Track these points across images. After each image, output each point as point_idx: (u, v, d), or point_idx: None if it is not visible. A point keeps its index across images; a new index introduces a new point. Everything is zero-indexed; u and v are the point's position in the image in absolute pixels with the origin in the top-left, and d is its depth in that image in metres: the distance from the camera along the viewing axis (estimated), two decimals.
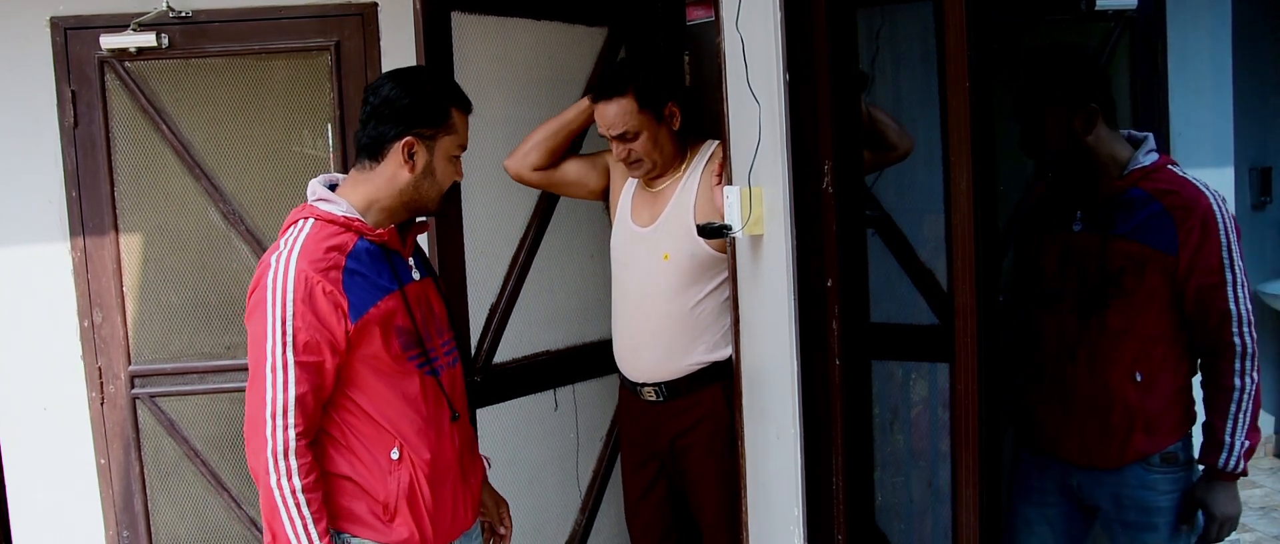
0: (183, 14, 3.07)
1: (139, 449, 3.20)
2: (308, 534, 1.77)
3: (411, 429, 1.91)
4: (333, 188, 1.95)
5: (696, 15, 3.07)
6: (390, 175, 1.91)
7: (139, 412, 3.19)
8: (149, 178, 3.14)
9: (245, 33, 3.10)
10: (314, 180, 1.95)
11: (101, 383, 3.17)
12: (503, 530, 2.24)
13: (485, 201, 2.68)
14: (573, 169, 2.70)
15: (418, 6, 2.46)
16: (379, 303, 1.86)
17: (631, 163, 2.53)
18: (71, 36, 3.07)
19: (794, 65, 2.02)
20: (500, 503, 2.26)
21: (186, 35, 3.08)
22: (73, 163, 3.09)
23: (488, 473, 2.24)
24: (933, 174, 2.40)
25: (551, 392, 2.89)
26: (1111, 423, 2.13)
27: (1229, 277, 2.04)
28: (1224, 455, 2.07)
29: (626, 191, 2.66)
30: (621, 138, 2.49)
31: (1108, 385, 2.12)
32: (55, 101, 3.08)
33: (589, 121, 2.63)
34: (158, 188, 3.15)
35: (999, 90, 2.64)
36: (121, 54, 3.06)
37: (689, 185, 2.54)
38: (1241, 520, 3.80)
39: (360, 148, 1.93)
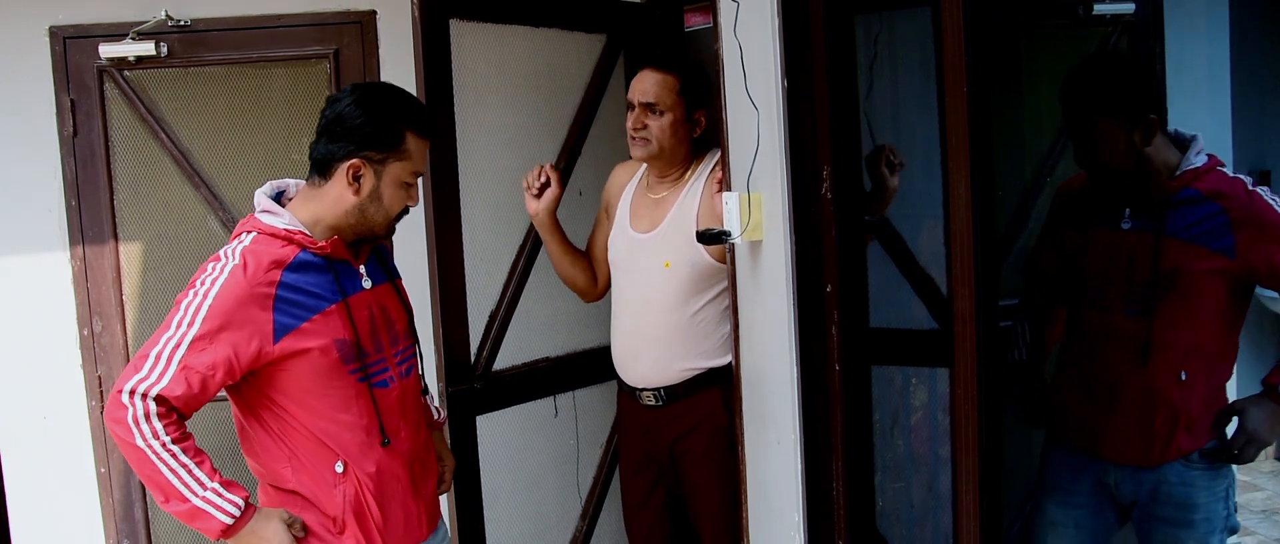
0: (181, 23, 3.07)
1: None
2: (194, 478, 1.73)
3: (353, 443, 1.87)
4: (280, 194, 1.92)
5: (694, 22, 3.07)
6: (336, 196, 1.86)
7: None
8: (148, 186, 3.14)
9: (244, 41, 3.10)
10: (259, 190, 1.91)
11: (101, 391, 3.17)
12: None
13: (485, 209, 2.69)
14: (599, 240, 2.72)
15: (416, 14, 2.47)
16: (314, 318, 1.82)
17: (638, 138, 2.50)
18: (70, 46, 3.07)
19: (792, 71, 2.03)
20: (443, 459, 2.20)
21: (185, 44, 3.09)
22: (72, 172, 3.09)
23: (443, 428, 2.22)
24: (931, 180, 2.41)
25: (551, 398, 2.89)
26: (1156, 422, 2.13)
27: None
28: None
29: (625, 197, 2.65)
30: (648, 108, 2.48)
31: (1153, 384, 2.12)
32: (54, 110, 3.08)
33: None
34: (157, 196, 3.15)
35: (1004, 93, 2.65)
36: (120, 63, 3.06)
37: (692, 193, 2.53)
38: (1243, 523, 3.81)
39: (312, 162, 1.88)
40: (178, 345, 1.73)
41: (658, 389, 2.55)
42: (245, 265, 1.78)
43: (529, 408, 2.83)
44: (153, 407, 1.72)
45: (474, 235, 2.65)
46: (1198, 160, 2.11)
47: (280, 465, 1.87)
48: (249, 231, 1.85)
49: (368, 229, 1.90)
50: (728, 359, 2.49)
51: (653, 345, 2.53)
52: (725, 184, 2.29)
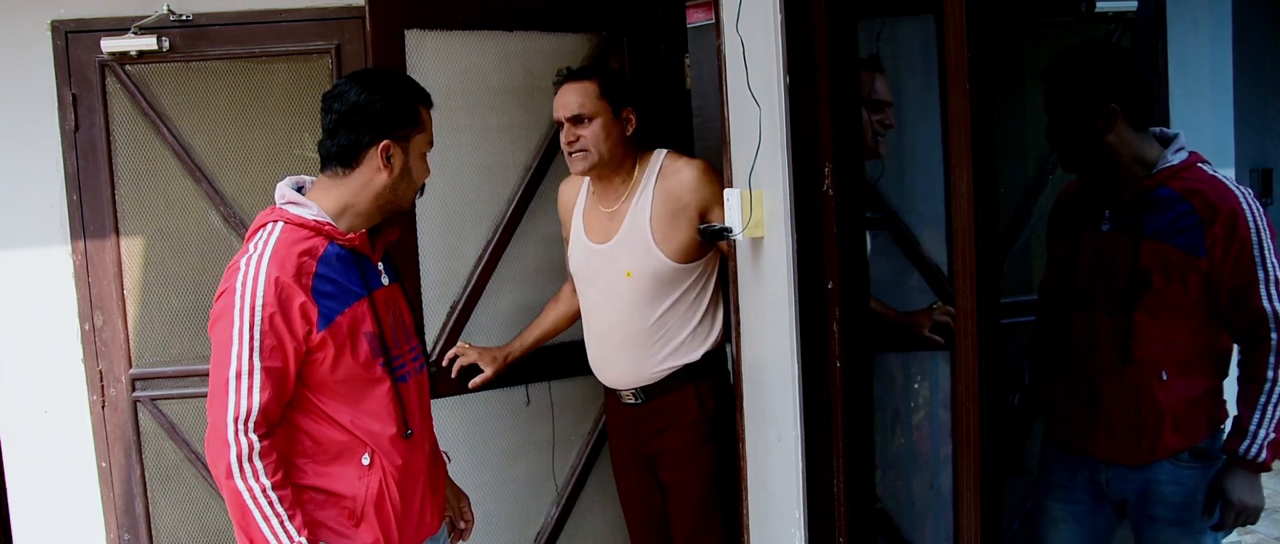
0: (183, 17, 3.07)
1: (140, 452, 3.20)
2: (285, 532, 1.76)
3: (383, 435, 1.91)
4: (299, 189, 1.94)
5: (696, 18, 3.06)
6: (366, 180, 1.90)
7: (140, 415, 3.19)
8: (150, 181, 3.14)
9: (246, 36, 3.10)
10: (281, 182, 1.93)
11: (102, 386, 3.17)
12: (463, 524, 2.25)
13: (459, 199, 2.74)
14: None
15: (367, 28, 2.47)
16: (347, 309, 1.85)
17: (575, 152, 2.50)
18: (72, 40, 3.07)
19: (794, 67, 2.03)
20: (461, 497, 2.27)
21: (187, 38, 3.09)
22: (73, 166, 3.09)
23: (448, 468, 2.24)
24: (933, 176, 2.41)
25: (523, 387, 2.91)
26: (1139, 420, 2.13)
27: (1261, 275, 2.02)
28: (1246, 443, 2.05)
29: (578, 210, 2.67)
30: (575, 121, 2.49)
31: (1134, 383, 2.12)
32: (56, 105, 3.08)
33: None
34: (158, 191, 3.15)
35: (1006, 90, 2.65)
36: (122, 57, 3.06)
37: (642, 201, 2.53)
38: None
39: (329, 156, 1.91)
40: (251, 355, 1.76)
41: (635, 389, 2.59)
42: (281, 259, 1.80)
43: (495, 396, 2.87)
44: (256, 441, 1.75)
45: (447, 223, 2.74)
46: (1176, 158, 2.09)
47: (299, 461, 1.88)
48: (275, 222, 1.87)
49: (398, 206, 1.97)
50: (701, 352, 2.51)
51: (623, 351, 2.56)
52: (727, 180, 2.29)
